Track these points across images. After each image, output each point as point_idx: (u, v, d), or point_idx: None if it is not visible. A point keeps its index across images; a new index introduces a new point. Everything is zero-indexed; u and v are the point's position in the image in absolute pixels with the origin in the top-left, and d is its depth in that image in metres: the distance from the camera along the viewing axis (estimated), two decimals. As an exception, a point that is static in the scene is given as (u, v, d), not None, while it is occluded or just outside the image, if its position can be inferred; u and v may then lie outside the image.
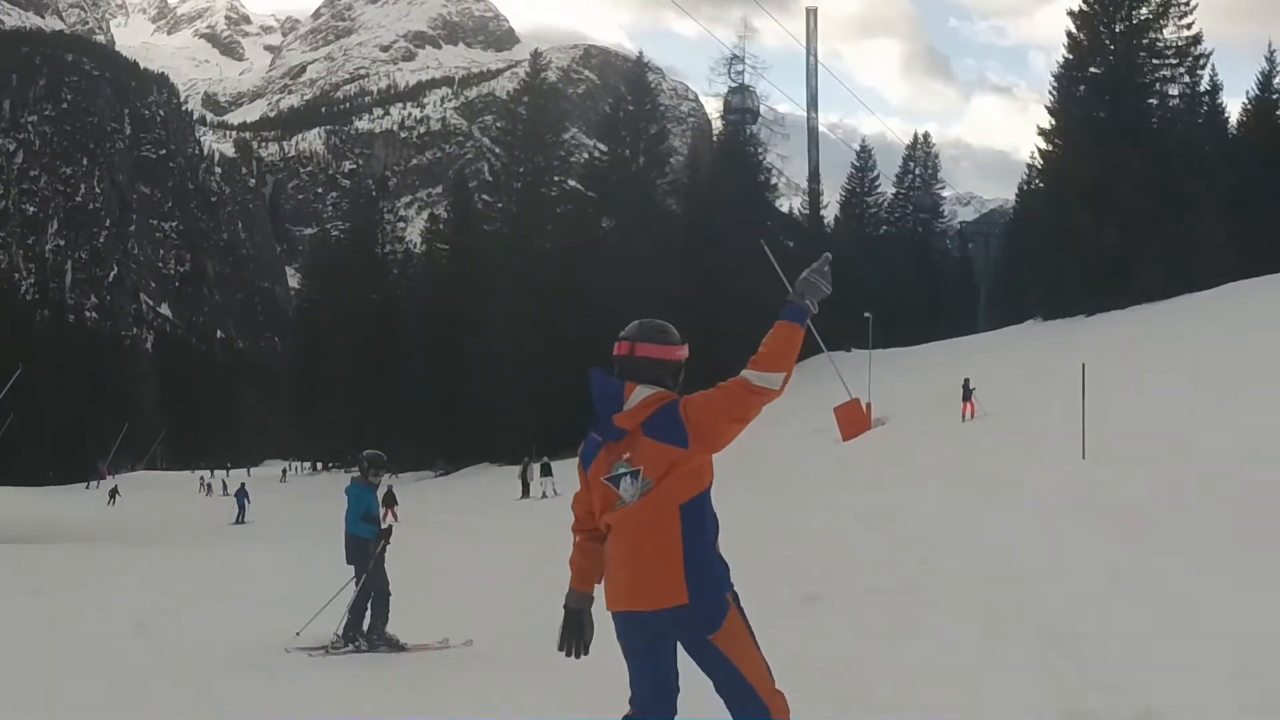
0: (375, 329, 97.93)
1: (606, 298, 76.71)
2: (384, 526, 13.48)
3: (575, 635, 5.10)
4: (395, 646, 12.60)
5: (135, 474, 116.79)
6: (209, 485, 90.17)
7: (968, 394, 40.72)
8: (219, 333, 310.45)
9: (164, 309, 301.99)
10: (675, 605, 4.73)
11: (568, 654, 5.11)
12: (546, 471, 50.67)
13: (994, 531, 16.11)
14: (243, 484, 63.84)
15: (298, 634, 12.97)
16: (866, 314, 55.35)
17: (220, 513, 59.74)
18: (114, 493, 72.25)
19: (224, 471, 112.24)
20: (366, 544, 13.07)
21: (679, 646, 4.92)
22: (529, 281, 79.21)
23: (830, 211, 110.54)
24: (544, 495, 47.90)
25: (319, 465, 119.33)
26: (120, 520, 55.57)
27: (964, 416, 40.16)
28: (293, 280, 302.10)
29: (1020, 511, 17.86)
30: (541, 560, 16.82)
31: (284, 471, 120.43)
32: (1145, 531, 14.44)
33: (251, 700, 9.79)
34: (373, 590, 12.76)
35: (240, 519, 55.39)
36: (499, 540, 28.68)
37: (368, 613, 12.81)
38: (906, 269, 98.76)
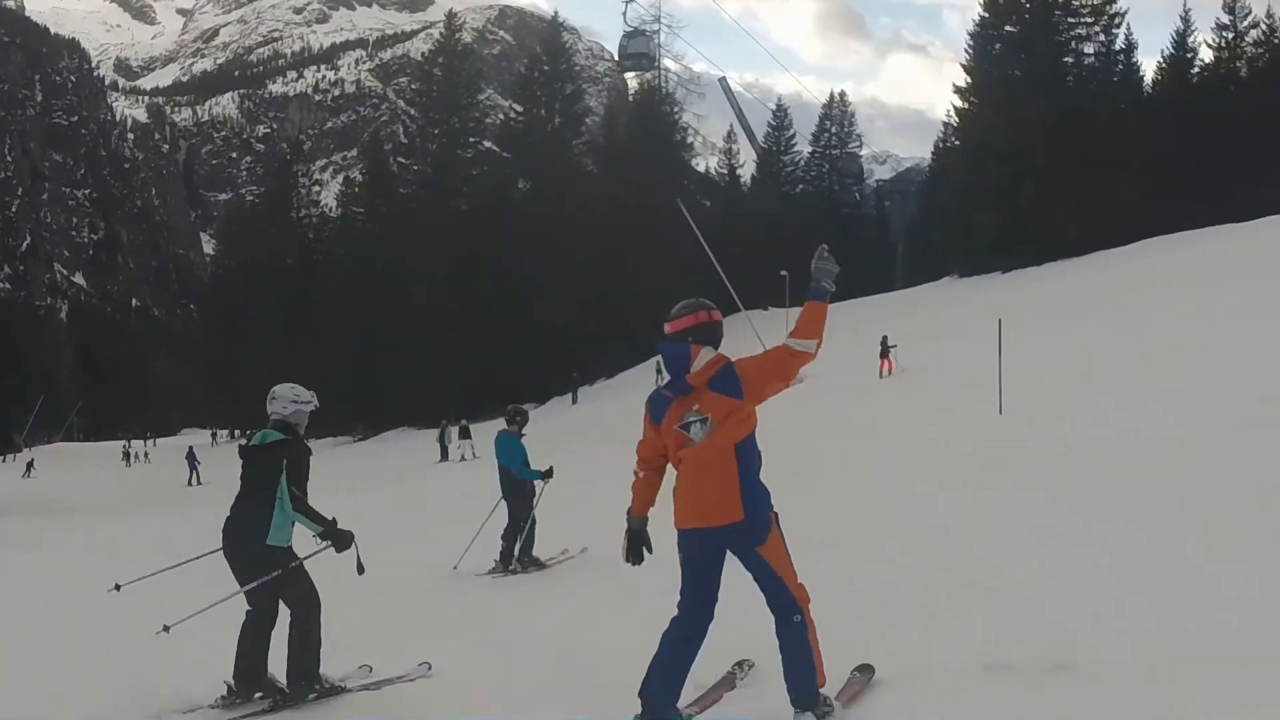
0: (291, 294, 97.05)
1: (523, 259, 76.54)
2: (546, 469, 15.02)
3: (637, 550, 6.62)
4: (540, 565, 14.82)
5: (52, 446, 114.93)
6: (134, 454, 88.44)
7: (886, 351, 41.04)
8: (134, 301, 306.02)
9: (78, 278, 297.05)
10: (733, 522, 6.10)
11: (633, 564, 6.64)
12: (465, 434, 50.56)
13: (913, 485, 16.30)
14: (190, 447, 64.02)
15: (455, 567, 15.01)
16: (783, 272, 55.59)
17: (156, 480, 59.39)
18: (30, 465, 71.09)
19: (145, 441, 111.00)
20: (524, 484, 15.15)
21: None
22: (445, 244, 78.96)
23: (747, 170, 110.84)
24: (463, 458, 47.84)
25: (237, 433, 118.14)
26: (57, 493, 54.58)
27: (881, 373, 40.51)
28: (208, 246, 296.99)
29: (939, 465, 18.11)
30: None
31: (214, 435, 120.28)
32: (1063, 483, 14.71)
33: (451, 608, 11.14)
34: (524, 521, 14.88)
35: (195, 480, 55.97)
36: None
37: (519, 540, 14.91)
38: (823, 227, 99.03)
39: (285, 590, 7.90)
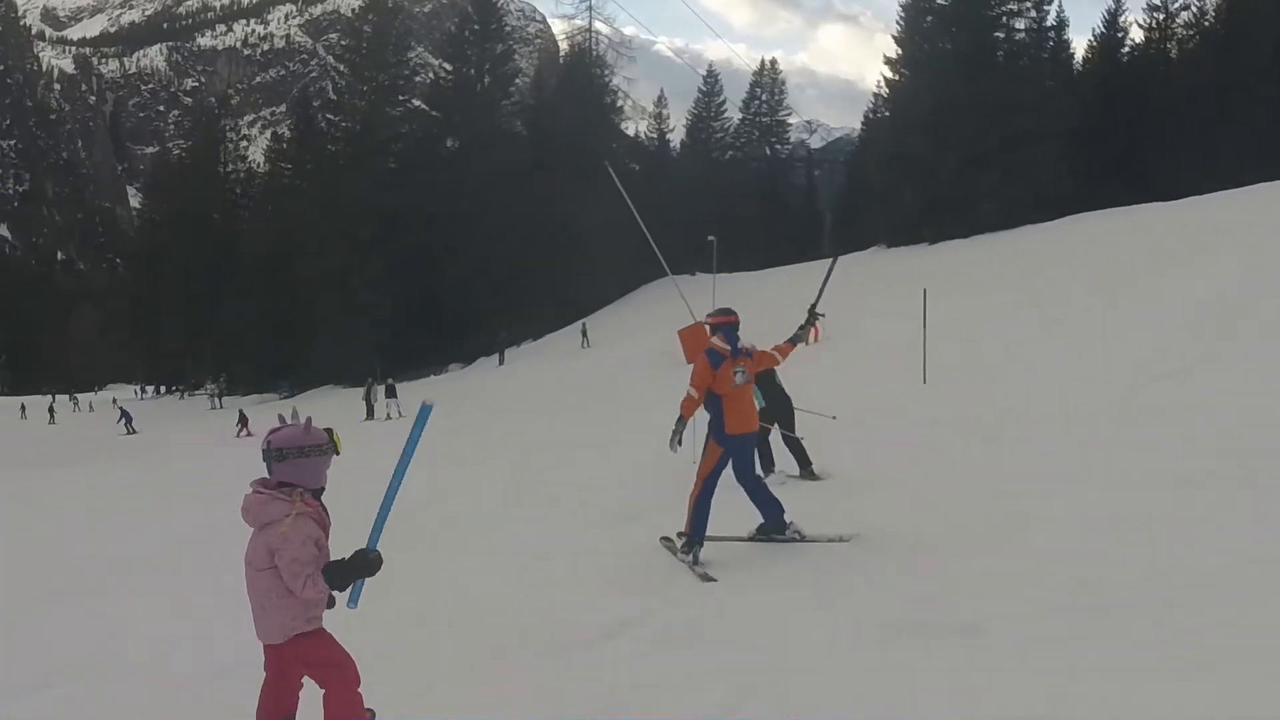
0: (217, 250, 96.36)
1: (450, 218, 76.42)
2: None
3: (679, 435, 9.88)
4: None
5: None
6: (56, 410, 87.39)
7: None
8: (59, 254, 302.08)
9: (2, 230, 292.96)
10: (756, 429, 10.46)
11: (676, 447, 9.86)
12: (391, 393, 50.40)
13: (835, 450, 16.56)
14: (114, 398, 66.24)
15: None
16: (710, 237, 55.29)
17: (78, 434, 59.92)
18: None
19: (70, 398, 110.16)
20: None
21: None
22: (372, 201, 78.58)
23: (677, 135, 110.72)
24: (388, 416, 47.75)
25: (161, 389, 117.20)
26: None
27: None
28: (134, 200, 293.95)
29: (862, 432, 18.37)
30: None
31: (139, 390, 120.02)
32: (981, 449, 14.97)
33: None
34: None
35: (130, 429, 59.19)
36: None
37: None
38: (751, 194, 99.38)
39: None
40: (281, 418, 5.68)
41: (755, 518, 10.44)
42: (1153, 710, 5.52)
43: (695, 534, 10.00)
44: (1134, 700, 5.63)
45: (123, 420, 61.71)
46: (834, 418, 17.86)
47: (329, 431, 5.69)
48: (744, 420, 10.17)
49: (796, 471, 14.08)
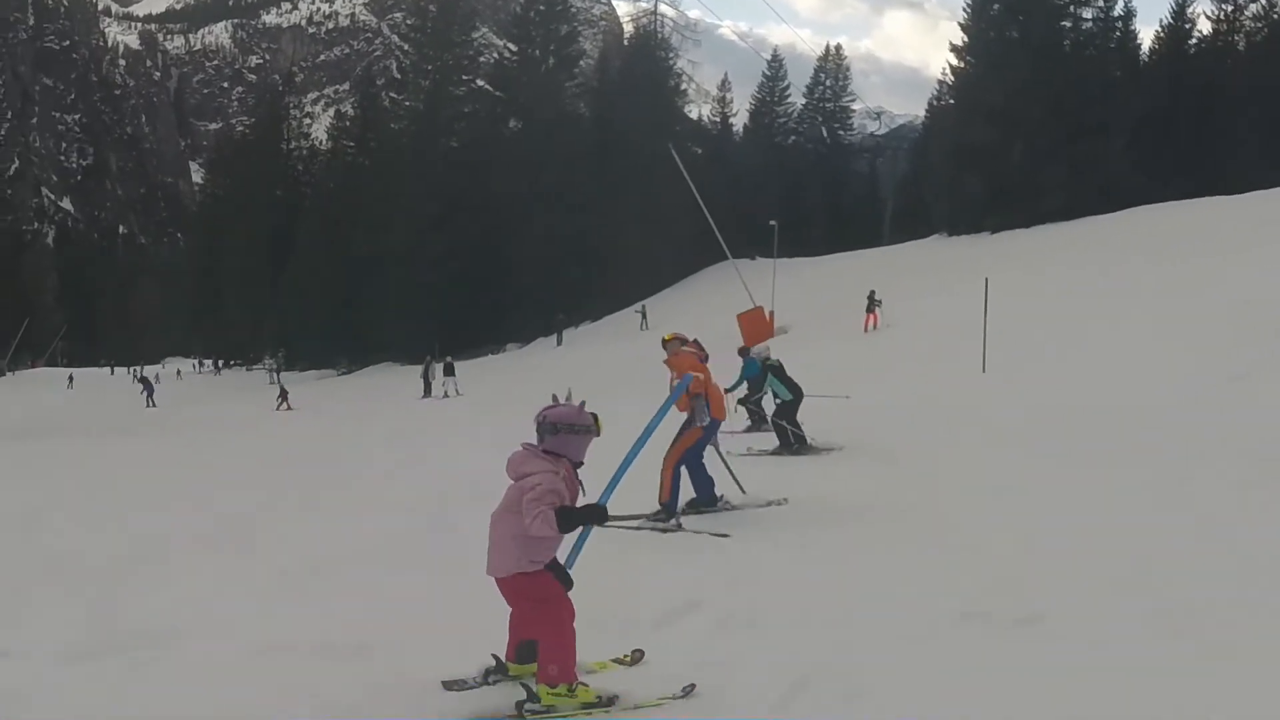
0: (278, 226, 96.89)
1: (511, 199, 76.49)
2: None
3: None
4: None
5: (35, 370, 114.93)
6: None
7: (872, 305, 41.01)
8: (121, 228, 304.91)
9: (66, 203, 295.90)
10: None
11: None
12: (449, 371, 50.35)
13: (895, 440, 16.35)
14: (135, 370, 67.04)
15: None
16: (772, 222, 55.30)
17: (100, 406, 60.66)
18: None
19: (129, 369, 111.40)
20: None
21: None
22: (433, 181, 78.81)
23: (740, 120, 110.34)
24: (445, 395, 47.72)
25: (219, 364, 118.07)
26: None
27: (866, 327, 40.51)
28: (196, 176, 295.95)
29: (922, 421, 18.19)
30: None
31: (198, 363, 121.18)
32: (1040, 441, 14.82)
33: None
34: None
35: (151, 403, 60.05)
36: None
37: None
38: (813, 180, 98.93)
39: None
40: (555, 397, 6.62)
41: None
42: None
43: (672, 505, 11.35)
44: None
45: (145, 394, 62.38)
46: (848, 397, 20.30)
47: (594, 416, 6.33)
48: (720, 409, 12.21)
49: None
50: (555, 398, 6.58)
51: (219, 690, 6.44)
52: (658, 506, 11.32)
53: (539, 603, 6.14)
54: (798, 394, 17.68)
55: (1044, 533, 9.59)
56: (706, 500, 11.79)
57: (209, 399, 65.89)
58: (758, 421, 20.69)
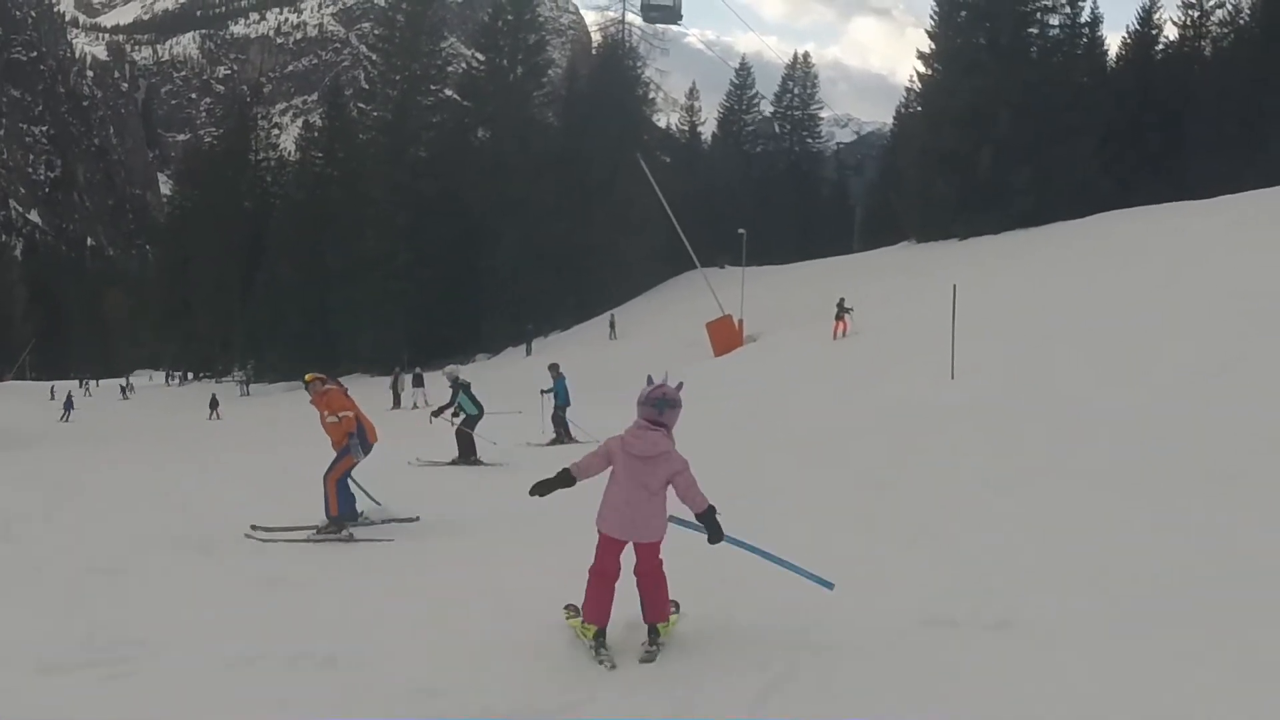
0: (247, 237, 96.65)
1: (480, 209, 76.60)
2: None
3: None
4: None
5: (4, 384, 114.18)
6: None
7: (841, 313, 41.20)
8: (89, 240, 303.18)
9: (33, 215, 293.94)
10: None
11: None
12: (418, 382, 50.63)
13: (863, 444, 16.50)
14: (69, 390, 72.47)
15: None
16: (741, 230, 55.57)
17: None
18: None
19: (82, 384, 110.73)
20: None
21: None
22: (402, 191, 78.96)
23: (708, 128, 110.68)
24: (415, 405, 47.73)
25: (187, 375, 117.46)
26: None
27: (835, 335, 40.68)
28: (165, 187, 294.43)
29: (890, 428, 18.33)
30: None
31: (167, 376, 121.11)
32: (1009, 447, 14.95)
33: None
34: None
35: (66, 418, 61.98)
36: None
37: None
38: (782, 187, 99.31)
39: None
40: (650, 378, 7.40)
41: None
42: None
43: (344, 515, 12.47)
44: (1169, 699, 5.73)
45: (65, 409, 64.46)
46: (520, 412, 25.21)
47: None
48: (374, 435, 12.98)
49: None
50: (650, 379, 7.38)
51: (192, 700, 6.48)
52: (326, 520, 12.48)
53: (660, 560, 7.22)
54: (481, 410, 21.57)
55: (1017, 534, 9.78)
56: (349, 515, 12.72)
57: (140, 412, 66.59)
58: (562, 434, 24.74)
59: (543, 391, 26.20)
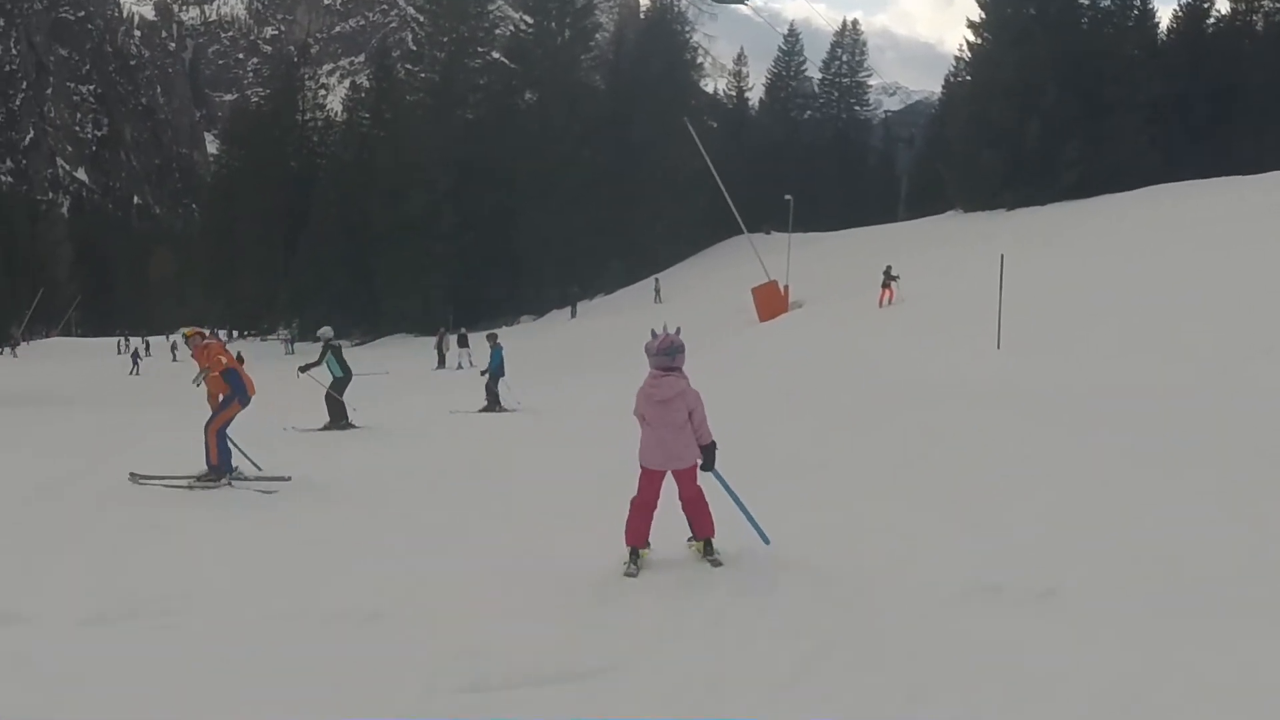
0: (293, 197, 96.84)
1: (526, 172, 76.46)
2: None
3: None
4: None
5: (49, 340, 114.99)
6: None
7: (888, 281, 40.86)
8: (135, 199, 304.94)
9: (80, 174, 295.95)
10: None
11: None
12: (463, 343, 50.77)
13: (909, 414, 16.33)
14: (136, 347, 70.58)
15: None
16: (788, 196, 55.18)
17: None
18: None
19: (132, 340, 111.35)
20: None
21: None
22: (448, 153, 78.79)
23: (755, 94, 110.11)
24: (459, 366, 48.00)
25: (234, 333, 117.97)
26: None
27: (881, 303, 40.37)
28: (211, 147, 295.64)
29: (936, 397, 18.16)
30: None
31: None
32: (1055, 418, 14.83)
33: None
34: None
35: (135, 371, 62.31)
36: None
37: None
38: (829, 155, 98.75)
39: None
40: (654, 331, 8.46)
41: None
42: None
43: (223, 465, 13.03)
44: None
45: (134, 363, 65.08)
46: (387, 373, 26.54)
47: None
48: (252, 387, 13.42)
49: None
50: (653, 332, 8.48)
51: (229, 655, 6.48)
52: (205, 468, 13.04)
53: (697, 485, 8.37)
54: (348, 373, 21.80)
55: (1060, 507, 9.65)
56: (226, 466, 13.19)
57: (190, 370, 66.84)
58: (493, 402, 25.63)
59: (481, 372, 27.06)
